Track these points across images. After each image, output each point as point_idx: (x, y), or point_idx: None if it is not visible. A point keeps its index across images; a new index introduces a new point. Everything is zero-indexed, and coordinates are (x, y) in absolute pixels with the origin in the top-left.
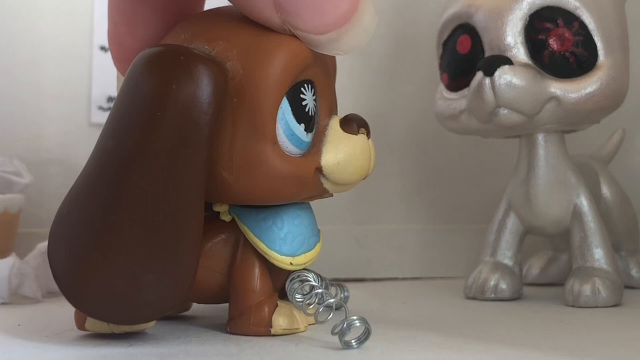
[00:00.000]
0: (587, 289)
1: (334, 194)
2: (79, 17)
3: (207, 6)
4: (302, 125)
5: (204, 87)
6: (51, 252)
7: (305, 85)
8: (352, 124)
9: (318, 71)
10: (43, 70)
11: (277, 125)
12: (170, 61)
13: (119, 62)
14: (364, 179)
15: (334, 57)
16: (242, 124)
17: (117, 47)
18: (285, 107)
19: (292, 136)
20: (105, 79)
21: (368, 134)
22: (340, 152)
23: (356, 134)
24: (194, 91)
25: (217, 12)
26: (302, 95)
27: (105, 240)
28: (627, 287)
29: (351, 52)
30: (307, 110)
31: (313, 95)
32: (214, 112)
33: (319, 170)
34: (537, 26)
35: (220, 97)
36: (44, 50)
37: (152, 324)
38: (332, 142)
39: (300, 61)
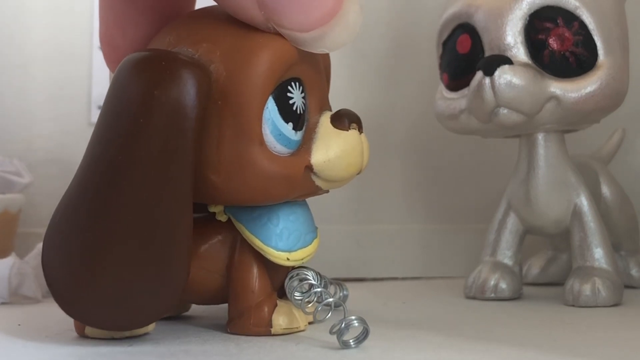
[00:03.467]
0: (587, 289)
1: (329, 190)
2: (78, 16)
3: (199, 5)
4: (290, 124)
5: (187, 92)
6: (45, 261)
7: (293, 83)
8: (343, 119)
9: (306, 68)
10: (43, 70)
11: (263, 126)
12: (153, 67)
13: (111, 63)
14: (357, 174)
15: (327, 53)
16: (227, 126)
17: (109, 48)
18: (271, 106)
19: (279, 136)
20: (105, 79)
21: (360, 129)
22: (331, 149)
23: (347, 130)
24: (177, 96)
25: (203, 13)
26: (289, 94)
27: (96, 248)
28: (627, 286)
29: (337, 49)
30: (295, 108)
31: (301, 92)
32: (199, 116)
33: (310, 168)
34: (537, 26)
35: (204, 100)
36: (44, 49)
37: (152, 327)
38: (323, 139)
39: (284, 60)
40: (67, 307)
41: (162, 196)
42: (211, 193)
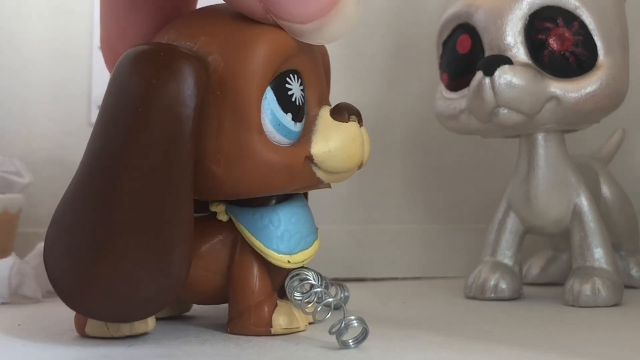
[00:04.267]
0: (587, 289)
1: (331, 185)
2: (78, 17)
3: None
4: (290, 114)
5: (185, 82)
6: (47, 256)
7: (291, 75)
8: (343, 112)
9: (305, 61)
10: (43, 70)
11: (262, 116)
12: (151, 58)
13: (112, 67)
14: (359, 167)
15: (324, 48)
16: (226, 116)
17: (110, 52)
18: (270, 97)
19: (279, 126)
20: (105, 79)
21: (360, 122)
22: (331, 140)
23: (347, 122)
24: (175, 86)
25: (201, 11)
26: (287, 85)
27: (98, 240)
28: (627, 286)
29: (334, 41)
30: (294, 100)
31: (300, 85)
32: (197, 106)
33: (310, 159)
34: (537, 26)
35: (202, 90)
36: (44, 50)
37: (152, 326)
38: (322, 131)
39: (282, 51)
40: (69, 300)
41: (163, 186)
42: (212, 184)
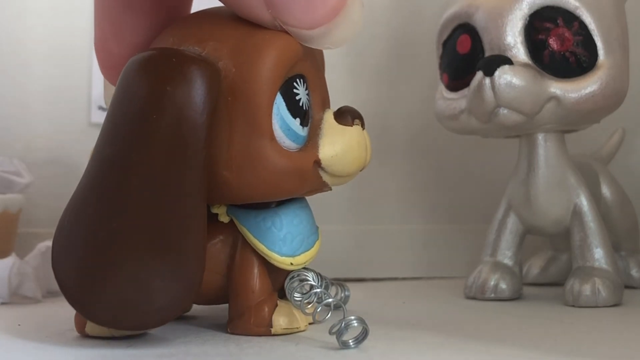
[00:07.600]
0: (587, 289)
1: (332, 188)
2: (78, 16)
3: (196, 8)
4: (298, 119)
5: (198, 88)
6: (56, 264)
7: (298, 79)
8: (347, 116)
9: (308, 65)
10: (43, 70)
11: (273, 121)
12: (163, 64)
13: (106, 69)
14: (361, 170)
15: (321, 51)
16: (238, 122)
17: (105, 54)
18: (279, 102)
19: (288, 131)
20: None
21: (362, 125)
22: (337, 144)
23: (351, 126)
24: (188, 92)
25: (203, 13)
26: (295, 90)
27: (110, 248)
28: (627, 287)
29: (340, 46)
30: (301, 104)
31: (305, 89)
32: (210, 113)
33: (318, 163)
34: (537, 26)
35: (214, 97)
36: (44, 50)
37: None
38: (328, 135)
39: (291, 56)
40: (82, 309)
41: (176, 193)
42: (224, 190)
